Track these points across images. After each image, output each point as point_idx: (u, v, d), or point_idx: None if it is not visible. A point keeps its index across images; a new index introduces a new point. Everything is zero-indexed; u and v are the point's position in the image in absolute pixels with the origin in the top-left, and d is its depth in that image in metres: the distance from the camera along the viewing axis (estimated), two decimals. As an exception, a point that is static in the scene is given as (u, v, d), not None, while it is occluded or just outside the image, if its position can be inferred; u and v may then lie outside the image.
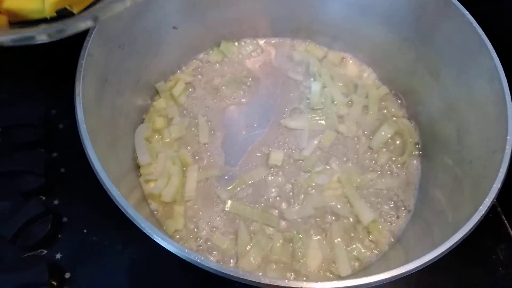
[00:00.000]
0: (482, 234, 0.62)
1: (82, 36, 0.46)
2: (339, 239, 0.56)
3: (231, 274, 0.33)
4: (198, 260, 0.34)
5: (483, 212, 0.40)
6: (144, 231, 0.36)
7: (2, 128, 0.64)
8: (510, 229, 0.64)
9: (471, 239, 0.60)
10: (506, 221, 0.65)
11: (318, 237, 0.56)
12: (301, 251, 0.54)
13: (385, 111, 0.68)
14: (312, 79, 0.69)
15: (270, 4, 0.67)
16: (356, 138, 0.65)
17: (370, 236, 0.56)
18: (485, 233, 0.62)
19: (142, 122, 0.63)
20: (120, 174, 0.49)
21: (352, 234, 0.57)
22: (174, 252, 0.35)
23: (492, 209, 0.64)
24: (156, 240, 0.36)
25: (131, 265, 0.57)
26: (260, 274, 0.33)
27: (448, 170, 0.56)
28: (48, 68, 0.70)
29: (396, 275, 0.38)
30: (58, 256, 0.56)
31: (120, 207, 0.37)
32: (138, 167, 0.59)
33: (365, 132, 0.65)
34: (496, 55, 0.49)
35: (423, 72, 0.62)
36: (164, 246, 0.35)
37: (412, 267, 0.38)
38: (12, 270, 0.52)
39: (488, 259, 0.62)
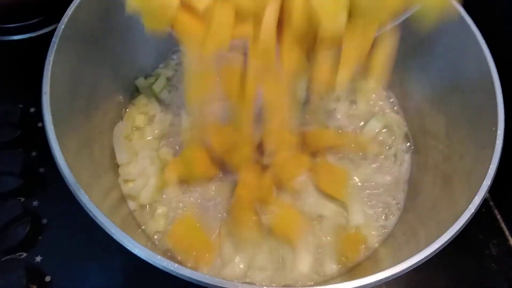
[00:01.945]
0: (475, 229, 0.63)
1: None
2: (328, 238, 0.54)
3: (205, 281, 0.32)
4: (171, 268, 0.33)
5: (473, 210, 0.39)
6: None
7: (-23, 127, 0.62)
8: (503, 224, 0.64)
9: (463, 234, 0.60)
10: (499, 216, 0.64)
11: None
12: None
13: (372, 103, 0.66)
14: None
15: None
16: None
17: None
18: (478, 228, 0.63)
19: (121, 120, 0.61)
20: (95, 174, 0.48)
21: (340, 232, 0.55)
22: (144, 259, 0.33)
23: (485, 203, 0.65)
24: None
25: (114, 268, 0.55)
26: (236, 281, 0.31)
27: (438, 166, 0.55)
28: (25, 65, 0.68)
29: (381, 279, 0.37)
30: (38, 259, 0.55)
31: (87, 210, 0.36)
32: (117, 166, 0.57)
33: (353, 127, 0.64)
34: (487, 47, 0.48)
35: (411, 64, 0.60)
36: (134, 252, 0.33)
37: (399, 270, 0.37)
38: (-12, 274, 0.50)
39: (480, 254, 0.61)
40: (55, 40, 0.42)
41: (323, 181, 0.57)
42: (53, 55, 0.41)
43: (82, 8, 0.45)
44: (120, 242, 0.35)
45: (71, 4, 0.44)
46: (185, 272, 0.32)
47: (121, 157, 0.56)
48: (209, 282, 0.32)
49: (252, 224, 0.51)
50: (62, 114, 0.41)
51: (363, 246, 0.54)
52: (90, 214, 0.36)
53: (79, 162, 0.39)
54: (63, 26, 0.43)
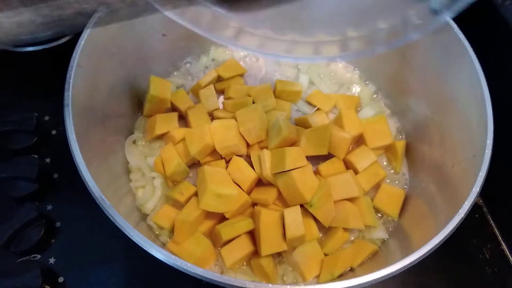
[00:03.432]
0: (469, 234, 0.65)
1: (74, 43, 0.47)
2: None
3: (218, 280, 0.34)
4: (184, 267, 0.35)
5: (462, 215, 0.41)
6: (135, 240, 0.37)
7: (-4, 134, 0.65)
8: (496, 229, 0.66)
9: (458, 239, 0.62)
10: (492, 222, 0.66)
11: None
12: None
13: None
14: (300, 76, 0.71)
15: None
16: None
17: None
18: (472, 233, 0.65)
19: (134, 128, 0.64)
20: (110, 180, 0.50)
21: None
22: (161, 259, 0.36)
23: (478, 210, 0.67)
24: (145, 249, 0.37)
25: (125, 269, 0.57)
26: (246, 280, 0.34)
27: (431, 174, 0.57)
28: (40, 76, 0.71)
29: (370, 280, 0.39)
30: (52, 260, 0.57)
31: (109, 216, 0.38)
32: (129, 171, 0.60)
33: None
34: (477, 60, 0.50)
35: (408, 76, 0.63)
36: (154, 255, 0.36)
37: (390, 271, 0.39)
38: (5, 275, 0.53)
39: (475, 258, 0.63)
40: (76, 55, 0.45)
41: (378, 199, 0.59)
42: (74, 69, 0.44)
43: (100, 25, 0.47)
44: (139, 244, 0.37)
45: (90, 21, 0.47)
46: (197, 271, 0.35)
47: (132, 164, 0.59)
48: (220, 280, 0.35)
49: None
50: (81, 125, 0.44)
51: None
52: (113, 220, 0.38)
53: (97, 171, 0.42)
54: (83, 42, 0.46)
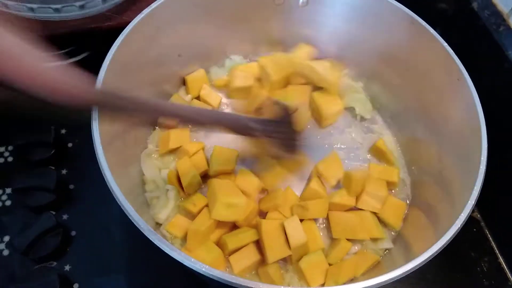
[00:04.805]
0: (467, 247, 0.67)
1: (91, 58, 0.49)
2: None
3: (232, 281, 0.37)
4: (203, 269, 0.38)
5: (459, 225, 0.43)
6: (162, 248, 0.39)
7: (15, 147, 0.68)
8: (493, 243, 0.68)
9: (456, 252, 0.64)
10: (489, 236, 0.69)
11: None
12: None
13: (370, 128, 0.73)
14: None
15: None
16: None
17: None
18: (470, 246, 0.67)
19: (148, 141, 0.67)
20: (129, 189, 0.53)
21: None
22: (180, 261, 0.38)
23: (476, 224, 0.69)
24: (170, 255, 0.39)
25: (138, 275, 0.59)
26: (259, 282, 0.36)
27: (429, 189, 0.60)
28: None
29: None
30: (67, 268, 0.59)
31: (138, 227, 0.41)
32: (144, 183, 0.63)
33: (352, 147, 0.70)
34: (472, 83, 0.54)
35: (407, 97, 0.67)
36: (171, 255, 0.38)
37: (389, 277, 0.40)
38: (24, 281, 0.55)
39: (472, 271, 0.65)
40: (102, 73, 0.48)
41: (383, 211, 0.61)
42: (100, 85, 0.47)
43: (124, 46, 0.51)
44: (160, 247, 0.39)
45: (116, 42, 0.51)
46: (214, 272, 0.38)
47: (147, 175, 0.62)
48: (235, 282, 0.37)
49: None
50: (105, 138, 0.46)
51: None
52: (139, 228, 0.41)
53: (118, 180, 0.44)
54: (108, 60, 0.49)
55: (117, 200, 0.42)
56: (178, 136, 0.64)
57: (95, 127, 0.45)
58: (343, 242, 0.57)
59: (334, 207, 0.60)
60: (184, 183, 0.59)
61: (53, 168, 0.66)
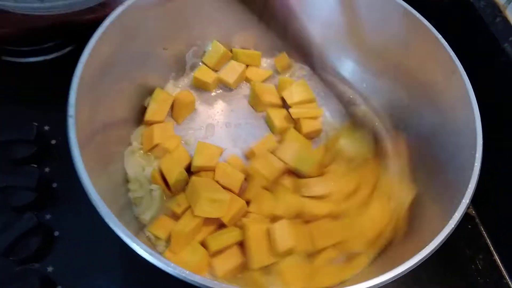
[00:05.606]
0: (462, 245, 0.66)
1: (74, 54, 0.48)
2: None
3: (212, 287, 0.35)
4: (183, 275, 0.36)
5: (453, 225, 0.43)
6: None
7: (-4, 144, 0.66)
8: (488, 240, 0.67)
9: (451, 249, 0.63)
10: (484, 233, 0.68)
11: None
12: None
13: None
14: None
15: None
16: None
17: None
18: (464, 243, 0.67)
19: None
20: (111, 190, 0.51)
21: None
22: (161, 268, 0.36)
23: (471, 221, 0.69)
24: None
25: (123, 277, 0.58)
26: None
27: (422, 187, 0.58)
28: (40, 86, 0.72)
29: None
30: (50, 269, 0.57)
31: (110, 226, 0.39)
32: (128, 181, 0.60)
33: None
34: (467, 77, 0.52)
35: (399, 91, 0.65)
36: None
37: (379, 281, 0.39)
38: (4, 283, 0.53)
39: (467, 268, 0.65)
40: (80, 67, 0.46)
41: None
42: (77, 81, 0.45)
43: (103, 40, 0.49)
44: (139, 253, 0.38)
45: (93, 36, 0.49)
46: (196, 278, 0.36)
47: (130, 174, 0.60)
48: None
49: None
50: (83, 135, 0.45)
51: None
52: (114, 229, 0.39)
53: (98, 180, 0.42)
54: (87, 55, 0.47)
55: (92, 202, 0.40)
56: (162, 130, 0.62)
57: (71, 123, 0.42)
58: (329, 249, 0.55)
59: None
60: (170, 181, 0.57)
61: (35, 166, 0.64)
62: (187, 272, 0.36)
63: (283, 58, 0.74)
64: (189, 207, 0.55)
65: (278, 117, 0.67)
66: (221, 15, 0.68)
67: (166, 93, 0.67)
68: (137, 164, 0.61)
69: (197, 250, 0.53)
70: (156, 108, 0.64)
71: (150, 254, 0.37)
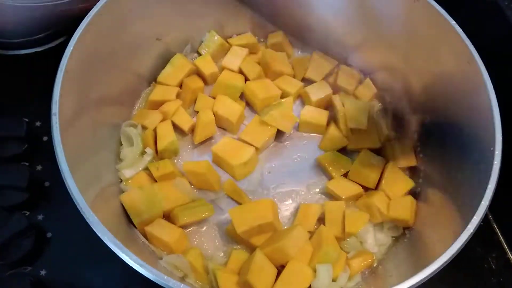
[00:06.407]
0: (474, 243, 0.63)
1: (66, 44, 0.46)
2: None
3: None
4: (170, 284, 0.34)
5: (471, 230, 0.40)
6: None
7: (-16, 142, 0.63)
8: (501, 237, 0.64)
9: (463, 248, 0.61)
10: (497, 230, 0.65)
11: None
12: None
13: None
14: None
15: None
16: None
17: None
18: (477, 242, 0.63)
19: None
20: (100, 189, 0.49)
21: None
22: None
23: (484, 218, 0.65)
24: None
25: (119, 281, 0.56)
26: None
27: (439, 187, 0.56)
28: (31, 80, 0.69)
29: None
30: (43, 272, 0.56)
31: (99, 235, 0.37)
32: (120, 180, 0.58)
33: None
34: (484, 66, 0.49)
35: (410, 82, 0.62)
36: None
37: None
38: (-6, 288, 0.51)
39: (480, 267, 0.62)
40: (64, 61, 0.43)
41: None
42: (62, 75, 0.42)
43: (89, 31, 0.46)
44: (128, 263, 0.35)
45: (79, 27, 0.46)
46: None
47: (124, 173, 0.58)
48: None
49: None
50: (69, 133, 0.42)
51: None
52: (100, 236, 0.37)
53: (85, 179, 0.40)
54: (71, 48, 0.44)
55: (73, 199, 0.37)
56: (164, 90, 0.63)
57: (55, 121, 0.40)
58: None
59: None
60: (159, 147, 0.58)
61: (26, 164, 0.62)
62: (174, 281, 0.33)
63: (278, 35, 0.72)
64: (167, 174, 0.56)
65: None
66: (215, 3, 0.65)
67: (185, 59, 0.66)
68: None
69: (173, 230, 0.53)
70: (170, 72, 0.64)
71: (135, 261, 0.38)
